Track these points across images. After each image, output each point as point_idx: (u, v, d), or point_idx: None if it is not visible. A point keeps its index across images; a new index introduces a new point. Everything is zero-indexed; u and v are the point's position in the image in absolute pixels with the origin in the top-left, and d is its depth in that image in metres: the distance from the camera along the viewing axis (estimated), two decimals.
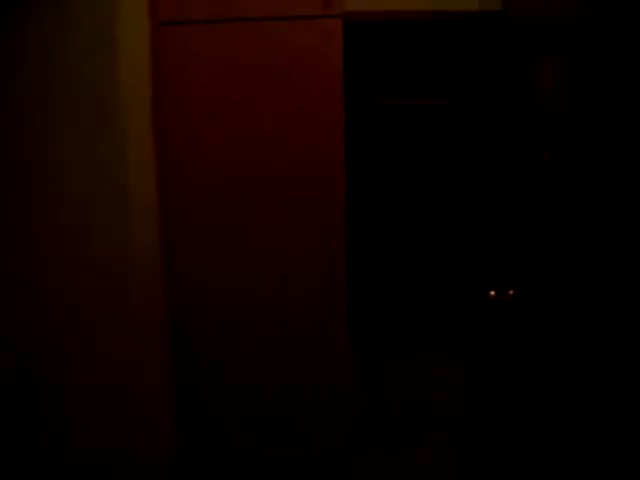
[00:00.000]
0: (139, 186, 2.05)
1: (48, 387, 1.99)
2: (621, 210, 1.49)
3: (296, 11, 2.17)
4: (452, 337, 2.68)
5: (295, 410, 2.31)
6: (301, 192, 2.23)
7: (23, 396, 1.99)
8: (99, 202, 1.95)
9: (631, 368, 1.43)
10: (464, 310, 2.66)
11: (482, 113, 2.55)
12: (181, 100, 2.21)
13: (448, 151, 2.61)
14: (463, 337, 2.65)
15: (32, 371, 1.98)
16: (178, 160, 2.23)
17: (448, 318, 2.69)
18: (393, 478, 2.38)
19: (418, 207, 2.65)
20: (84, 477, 2.01)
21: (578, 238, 1.64)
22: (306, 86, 2.19)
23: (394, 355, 2.66)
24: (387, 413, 2.57)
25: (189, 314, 2.29)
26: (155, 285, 2.17)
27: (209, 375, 2.31)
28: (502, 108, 2.34)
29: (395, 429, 2.54)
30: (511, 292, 2.01)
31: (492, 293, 2.04)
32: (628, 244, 1.45)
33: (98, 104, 1.92)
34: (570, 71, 1.65)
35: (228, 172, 2.23)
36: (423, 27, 2.52)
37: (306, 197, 2.22)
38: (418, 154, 2.61)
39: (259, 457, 2.33)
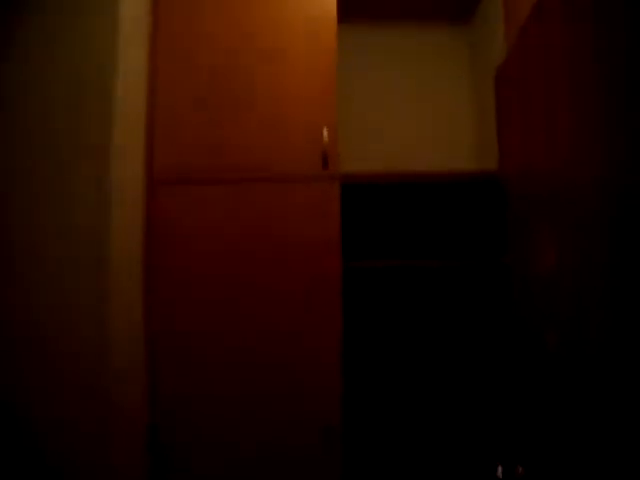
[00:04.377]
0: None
1: None
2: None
3: (294, 171, 2.20)
4: None
5: None
6: (294, 365, 2.13)
7: None
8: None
9: None
10: None
11: (481, 275, 2.50)
12: (172, 263, 2.17)
13: (447, 313, 2.53)
14: None
15: None
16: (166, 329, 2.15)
17: None
18: None
19: (419, 373, 2.52)
20: None
21: (594, 410, 1.51)
22: (302, 249, 2.17)
23: None
24: None
25: None
26: None
27: None
28: (499, 273, 2.28)
29: None
30: (520, 470, 1.84)
31: (499, 472, 1.87)
32: None
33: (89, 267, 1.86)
34: (575, 245, 1.60)
35: (219, 340, 2.14)
36: (419, 186, 2.53)
37: (300, 370, 2.13)
38: (415, 316, 2.53)
39: None
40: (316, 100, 2.22)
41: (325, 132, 2.18)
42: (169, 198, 2.19)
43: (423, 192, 2.55)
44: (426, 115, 2.90)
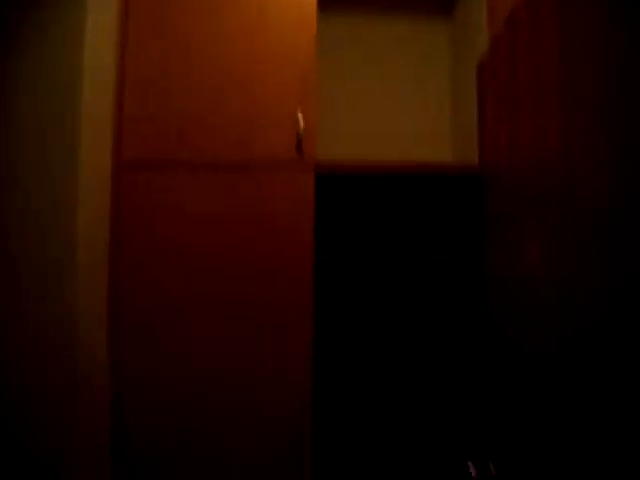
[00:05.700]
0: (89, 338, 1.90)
1: None
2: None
3: (267, 156, 2.10)
4: None
5: None
6: (265, 353, 2.05)
7: None
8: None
9: None
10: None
11: (458, 270, 2.44)
12: (140, 246, 2.07)
13: (422, 307, 2.46)
14: None
15: None
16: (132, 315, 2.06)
17: None
18: None
19: (392, 367, 2.46)
20: None
21: (570, 410, 1.47)
22: (274, 237, 2.08)
23: None
24: None
25: None
26: None
27: None
28: (475, 268, 2.23)
29: None
30: (492, 470, 1.80)
31: (472, 470, 1.82)
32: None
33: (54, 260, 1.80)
34: (558, 243, 1.54)
35: (185, 322, 2.05)
36: (396, 179, 2.46)
37: (272, 358, 2.05)
38: (389, 310, 2.47)
39: None
40: (294, 83, 2.12)
41: (300, 117, 2.08)
42: (136, 183, 2.08)
43: (400, 184, 2.48)
44: (406, 106, 2.83)
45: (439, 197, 2.48)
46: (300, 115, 2.09)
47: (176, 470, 2.02)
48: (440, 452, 2.40)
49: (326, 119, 2.66)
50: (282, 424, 2.03)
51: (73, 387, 1.82)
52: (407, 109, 2.84)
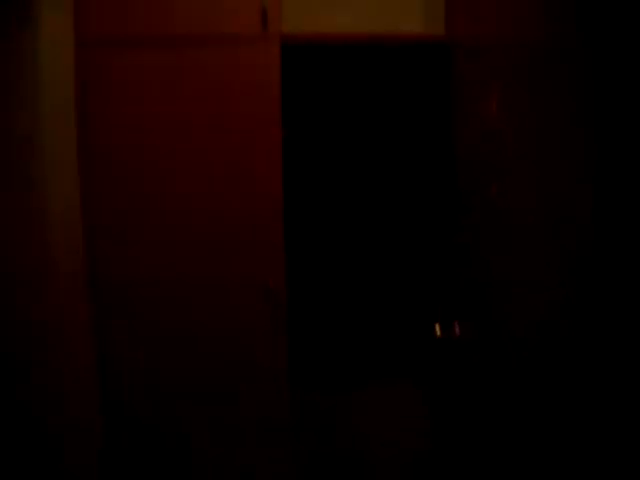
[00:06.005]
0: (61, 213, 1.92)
1: None
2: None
3: (232, 30, 2.07)
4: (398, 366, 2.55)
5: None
6: (236, 217, 2.14)
7: None
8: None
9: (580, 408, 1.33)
10: (409, 335, 2.53)
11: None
12: (108, 125, 2.07)
13: (396, 179, 2.49)
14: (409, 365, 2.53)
15: None
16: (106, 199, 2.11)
17: (393, 345, 2.56)
18: None
19: (359, 227, 2.52)
20: None
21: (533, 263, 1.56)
22: (243, 108, 2.09)
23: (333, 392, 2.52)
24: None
25: None
26: None
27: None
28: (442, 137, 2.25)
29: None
30: (457, 330, 1.90)
31: (438, 332, 1.93)
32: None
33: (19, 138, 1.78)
34: (517, 102, 1.58)
35: (158, 196, 2.11)
36: (364, 50, 2.41)
37: (242, 220, 2.14)
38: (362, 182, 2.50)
39: None
40: None
41: None
42: (101, 60, 2.04)
43: (369, 56, 2.42)
44: None
45: (410, 69, 2.45)
46: None
47: (159, 344, 2.16)
48: (408, 315, 2.52)
49: None
50: (257, 292, 2.15)
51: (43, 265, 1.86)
52: None
